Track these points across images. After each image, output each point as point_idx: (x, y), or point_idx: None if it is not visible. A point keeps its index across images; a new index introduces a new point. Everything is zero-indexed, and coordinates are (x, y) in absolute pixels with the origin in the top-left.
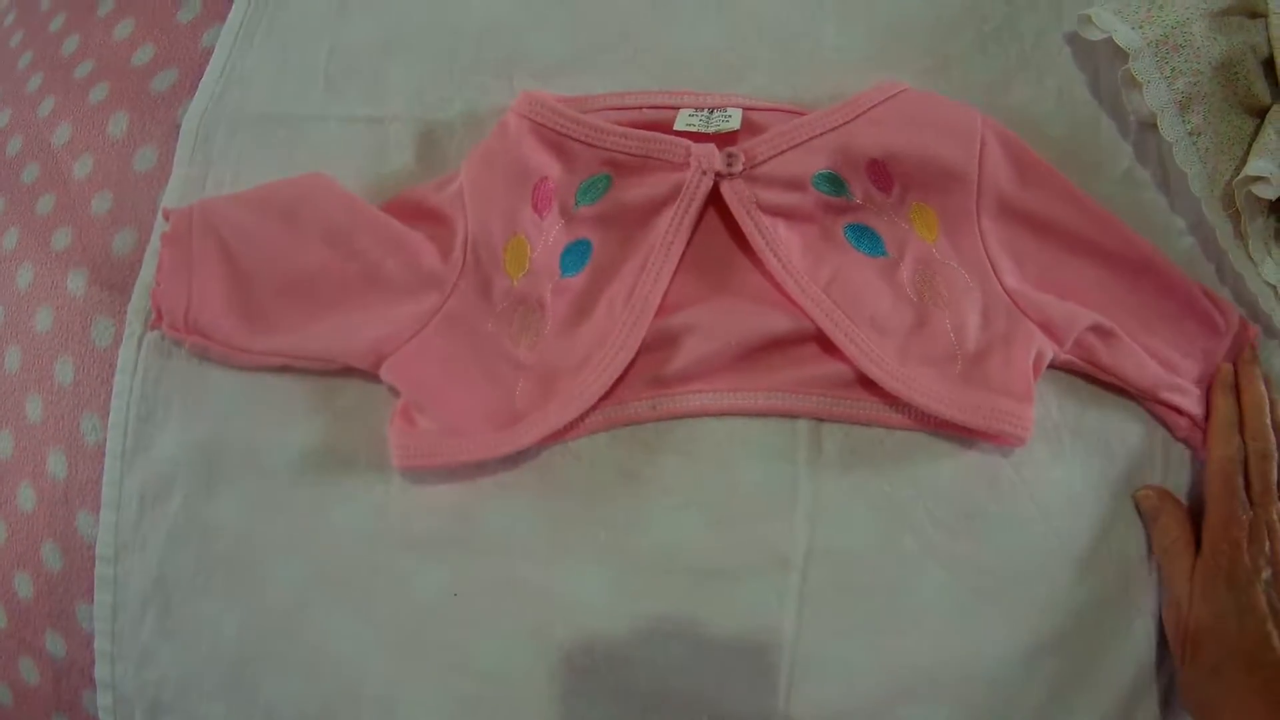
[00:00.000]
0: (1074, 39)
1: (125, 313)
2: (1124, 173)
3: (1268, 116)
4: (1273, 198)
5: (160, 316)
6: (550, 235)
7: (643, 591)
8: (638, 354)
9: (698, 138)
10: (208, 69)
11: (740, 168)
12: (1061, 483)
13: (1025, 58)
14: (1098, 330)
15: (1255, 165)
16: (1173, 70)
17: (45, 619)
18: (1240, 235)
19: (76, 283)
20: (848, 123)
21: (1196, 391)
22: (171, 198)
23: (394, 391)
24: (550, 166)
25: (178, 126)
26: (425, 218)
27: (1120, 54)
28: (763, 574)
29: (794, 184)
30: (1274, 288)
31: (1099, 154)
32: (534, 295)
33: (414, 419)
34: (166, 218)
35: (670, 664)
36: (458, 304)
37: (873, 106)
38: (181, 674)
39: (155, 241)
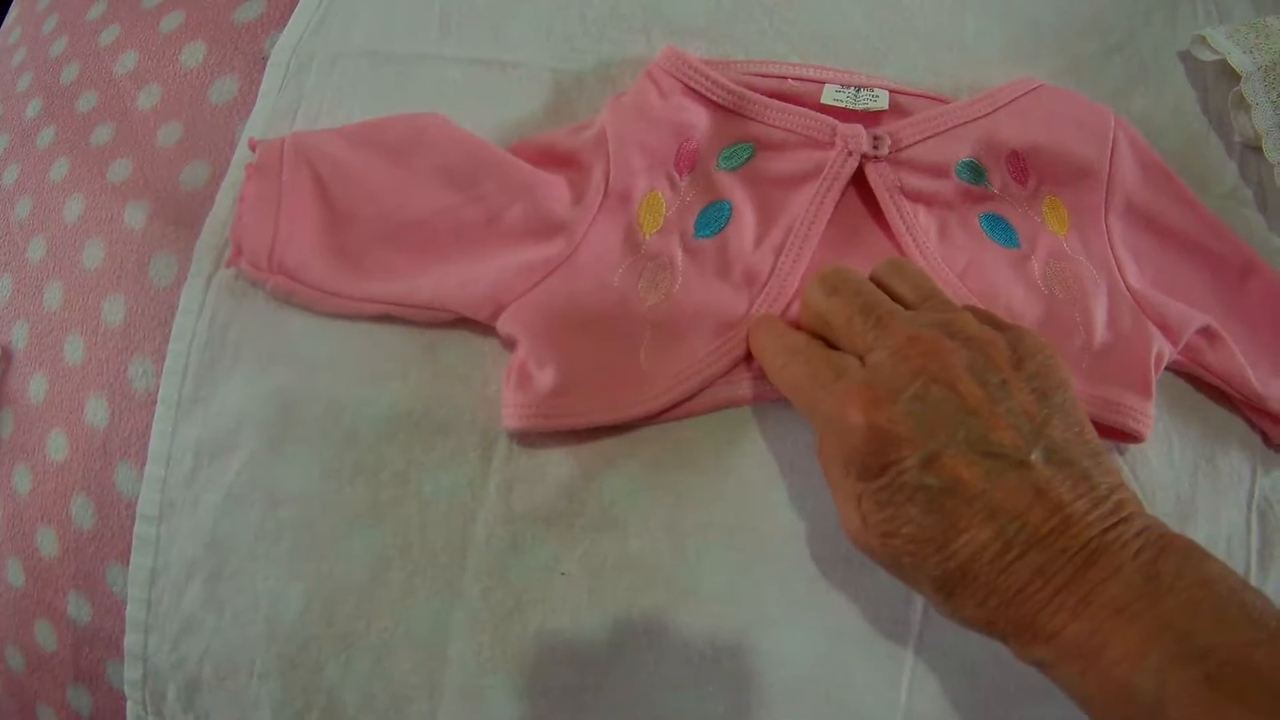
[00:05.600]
0: (1186, 57)
1: (192, 250)
2: (1229, 190)
3: None
4: None
5: (240, 253)
6: (688, 195)
7: (767, 577)
8: None
9: (843, 115)
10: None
11: (886, 151)
12: (1170, 486)
13: (1145, 70)
14: (1206, 333)
15: None
16: (1279, 96)
17: (69, 580)
18: None
19: (135, 216)
20: (991, 113)
21: None
22: (255, 130)
23: (508, 346)
24: (696, 127)
25: (264, 58)
26: (558, 162)
27: (1228, 76)
28: None
29: (938, 170)
30: None
31: (1206, 170)
32: (666, 253)
33: (531, 376)
34: (253, 148)
35: (793, 653)
36: (586, 253)
37: (1015, 99)
38: (229, 650)
39: (233, 174)
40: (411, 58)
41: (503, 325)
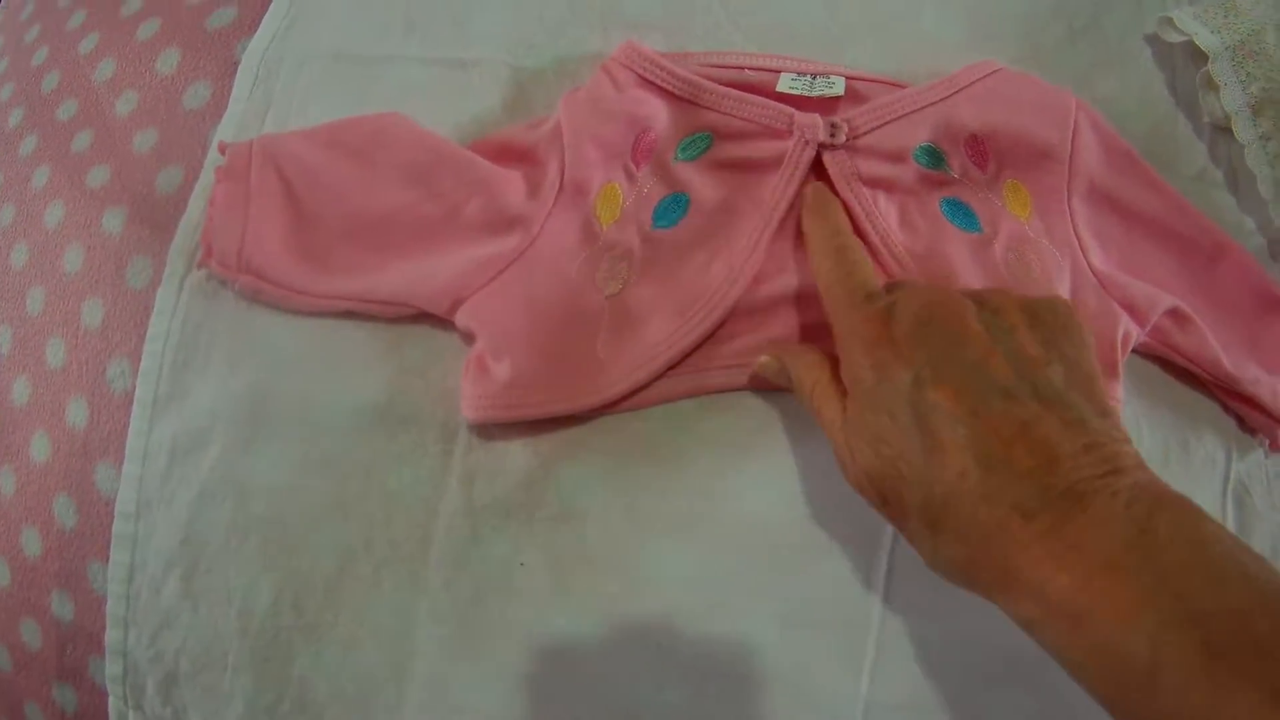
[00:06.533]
0: (1154, 39)
1: (166, 252)
2: (1198, 171)
3: None
4: None
5: (210, 254)
6: (646, 186)
7: (726, 566)
8: (731, 319)
9: (799, 102)
10: (272, 5)
11: (844, 138)
12: None
13: (1110, 54)
14: (1175, 315)
15: None
16: (1248, 75)
17: (53, 579)
18: None
19: (113, 221)
20: (949, 97)
21: (1271, 380)
22: (226, 134)
23: (467, 340)
24: (653, 119)
25: (235, 63)
26: (515, 157)
27: (1197, 57)
28: (850, 552)
29: (895, 156)
30: None
31: (1174, 152)
32: (623, 243)
33: (488, 368)
34: (222, 151)
35: (751, 642)
36: (543, 246)
37: (973, 83)
38: (204, 643)
39: (205, 178)
40: (376, 59)
41: (460, 319)
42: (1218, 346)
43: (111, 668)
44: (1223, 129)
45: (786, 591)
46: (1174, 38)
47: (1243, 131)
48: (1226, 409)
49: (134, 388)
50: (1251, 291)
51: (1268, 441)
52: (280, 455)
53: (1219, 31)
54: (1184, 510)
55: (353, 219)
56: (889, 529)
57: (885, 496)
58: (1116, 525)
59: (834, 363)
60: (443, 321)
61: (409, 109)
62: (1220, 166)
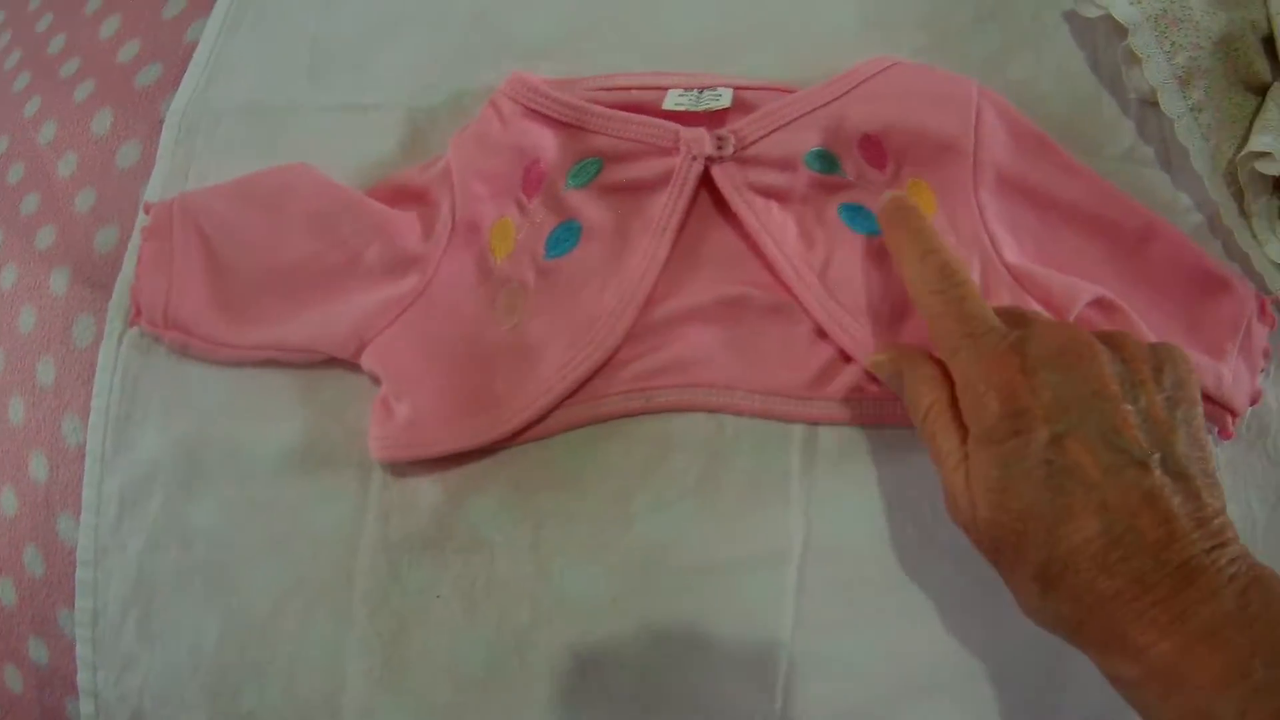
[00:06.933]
0: (1072, 16)
1: (106, 311)
2: (1126, 150)
3: (1269, 93)
4: (1277, 174)
5: (139, 312)
6: (538, 216)
7: (630, 590)
8: (626, 344)
9: (688, 118)
10: (191, 62)
11: (731, 150)
12: None
13: (1023, 35)
14: (1101, 304)
15: (1258, 141)
16: (1173, 45)
17: (28, 625)
18: (1245, 213)
19: (59, 282)
20: (838, 98)
21: (1213, 365)
22: (153, 192)
23: (376, 380)
24: (541, 149)
25: (161, 121)
26: (409, 199)
27: (1120, 30)
28: (756, 570)
29: (786, 164)
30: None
31: (1100, 132)
32: (518, 276)
33: (391, 410)
34: (147, 211)
35: (661, 665)
36: (440, 285)
37: (864, 81)
38: (162, 682)
39: (138, 237)
40: (284, 109)
41: (365, 362)
42: (1151, 335)
43: (85, 708)
44: (1151, 104)
45: (693, 614)
46: (1091, 12)
47: (1170, 104)
48: None
49: (85, 441)
50: (1187, 273)
51: (1216, 429)
52: (215, 500)
53: (1138, 2)
54: (1273, 584)
55: (265, 270)
56: (796, 550)
57: (1000, 547)
58: (1221, 598)
59: (952, 384)
60: (355, 364)
61: (315, 157)
62: (1151, 143)
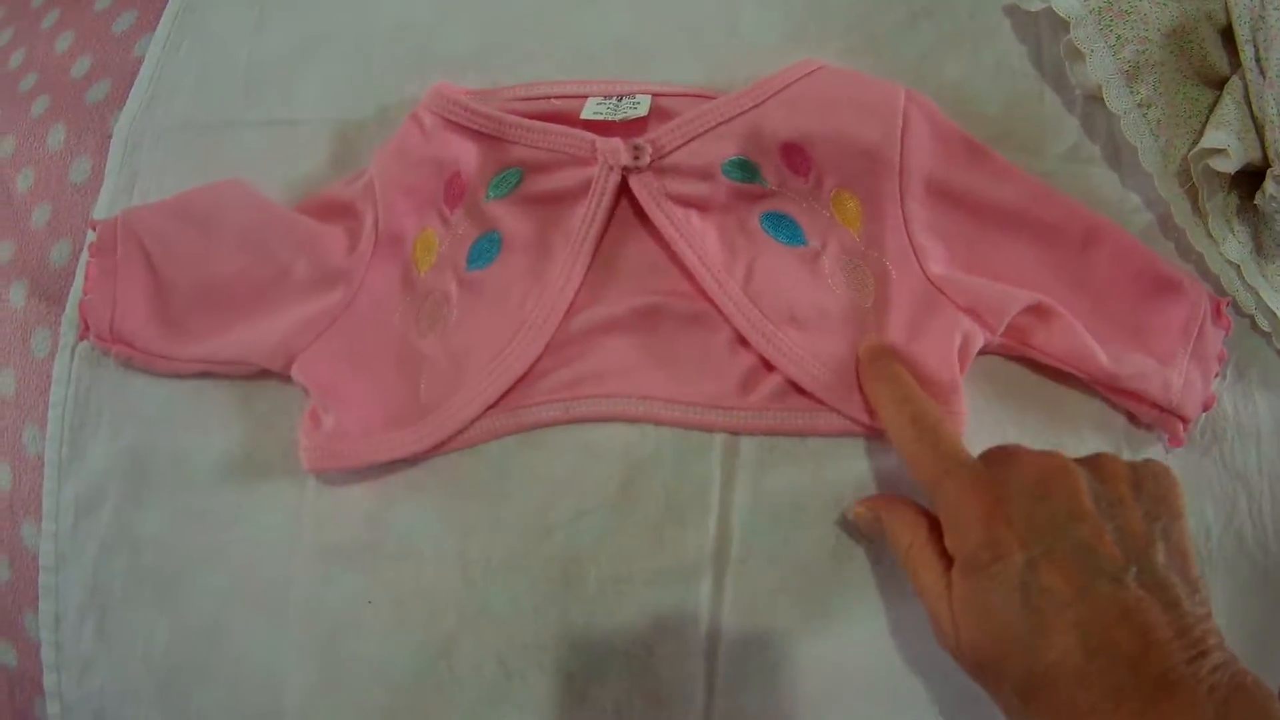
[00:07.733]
0: (1013, 11)
1: (60, 324)
2: (1070, 149)
3: (1226, 87)
4: (1232, 171)
5: (87, 326)
6: (460, 228)
7: (553, 599)
8: (547, 354)
9: (606, 127)
10: (137, 78)
11: (647, 160)
12: None
13: (960, 32)
14: (1038, 310)
15: (1212, 137)
16: (1118, 38)
17: None
18: (1199, 212)
19: (18, 295)
20: (757, 105)
21: (1161, 371)
22: (102, 208)
23: (307, 392)
24: (462, 160)
25: (109, 136)
26: (335, 213)
27: (1063, 24)
28: (678, 580)
29: (704, 173)
30: (1237, 266)
31: (1042, 130)
32: (440, 288)
33: (319, 421)
34: (93, 228)
35: (584, 674)
36: (365, 298)
37: (785, 87)
38: (119, 684)
39: (86, 252)
40: (220, 125)
41: (294, 374)
42: (1092, 341)
43: (51, 708)
44: (1098, 100)
45: (612, 622)
46: (1033, 6)
47: (1116, 100)
48: (1114, 405)
49: (44, 451)
50: (1133, 275)
51: (1166, 436)
52: (161, 508)
53: None
54: (1256, 694)
55: (200, 285)
56: (718, 558)
57: (983, 666)
58: (1199, 711)
59: (930, 522)
60: (289, 376)
61: (249, 172)
62: (1097, 141)
